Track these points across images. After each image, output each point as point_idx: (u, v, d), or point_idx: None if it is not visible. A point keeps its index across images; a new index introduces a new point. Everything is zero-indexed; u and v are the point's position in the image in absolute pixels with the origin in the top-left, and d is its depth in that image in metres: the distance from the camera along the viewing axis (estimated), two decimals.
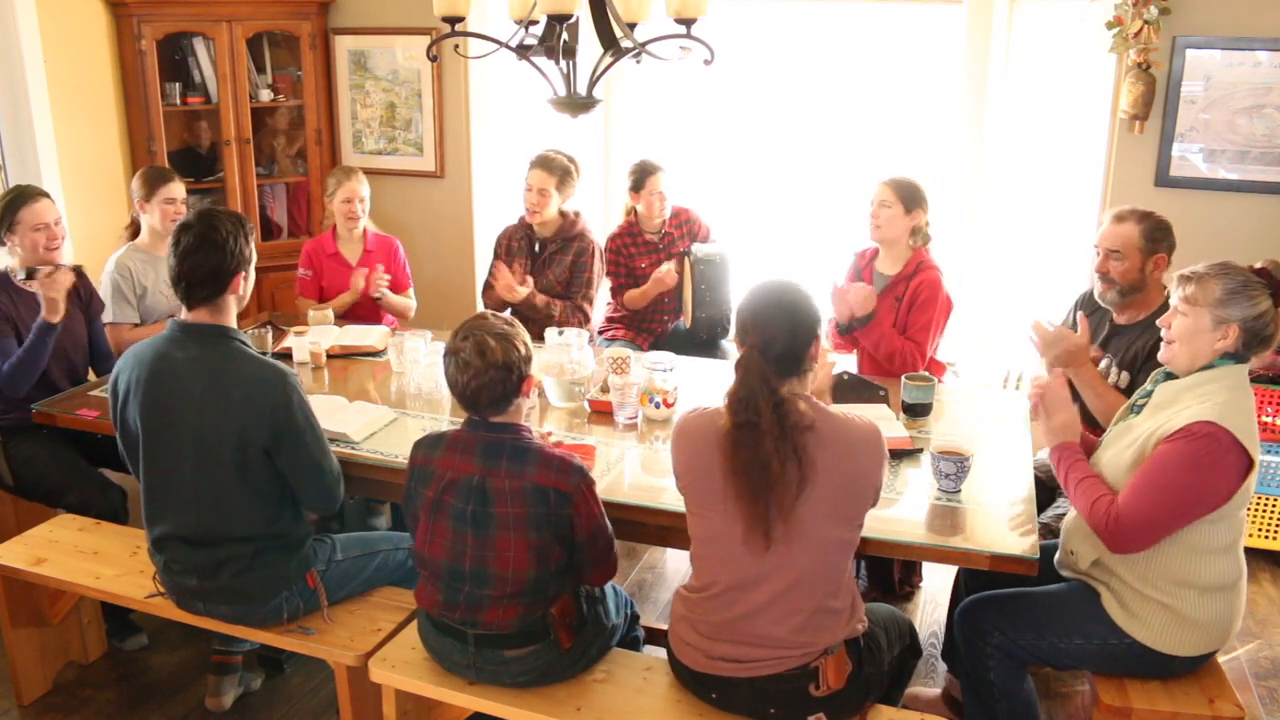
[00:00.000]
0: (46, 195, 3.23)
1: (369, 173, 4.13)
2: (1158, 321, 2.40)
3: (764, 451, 2.00)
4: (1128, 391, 2.74)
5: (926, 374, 3.03)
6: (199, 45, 4.61)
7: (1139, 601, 2.29)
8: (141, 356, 2.45)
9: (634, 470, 2.71)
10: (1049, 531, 2.71)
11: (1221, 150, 3.77)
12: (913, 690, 2.84)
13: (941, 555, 2.35)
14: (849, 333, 3.43)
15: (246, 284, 2.49)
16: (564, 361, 3.10)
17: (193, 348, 2.41)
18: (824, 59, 4.69)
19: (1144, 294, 2.86)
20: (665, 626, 2.31)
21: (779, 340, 2.04)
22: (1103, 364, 2.91)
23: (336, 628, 2.53)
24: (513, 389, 2.20)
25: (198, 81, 4.67)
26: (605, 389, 3.04)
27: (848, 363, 3.58)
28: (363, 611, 2.60)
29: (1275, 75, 3.65)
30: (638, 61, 2.64)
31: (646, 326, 4.25)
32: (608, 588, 2.44)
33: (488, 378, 2.15)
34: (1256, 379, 3.55)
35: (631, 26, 2.59)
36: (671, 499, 2.35)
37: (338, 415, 2.91)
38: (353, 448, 2.78)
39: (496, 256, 4.07)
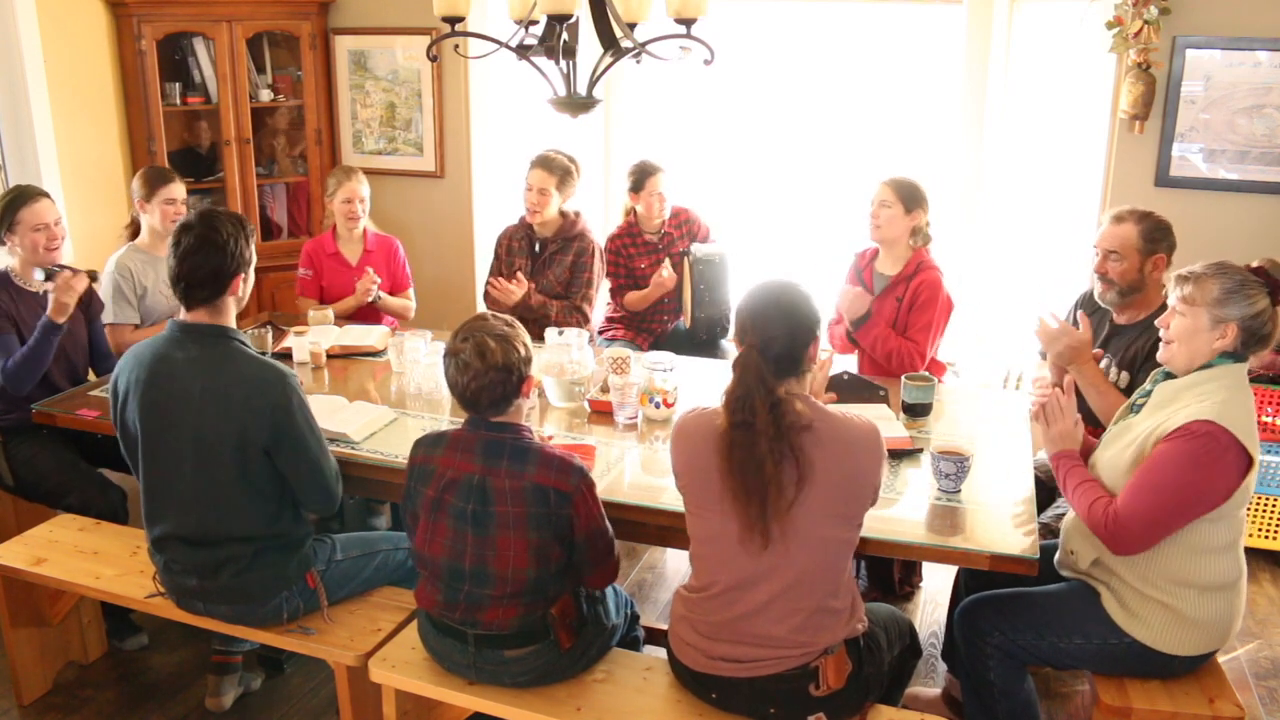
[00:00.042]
0: (46, 195, 3.23)
1: (369, 173, 4.13)
2: (1156, 322, 2.41)
3: (758, 452, 2.00)
4: (1128, 391, 2.74)
5: (926, 374, 3.03)
6: (199, 45, 4.61)
7: (1139, 601, 2.29)
8: (141, 357, 2.45)
9: (634, 470, 2.71)
10: (1049, 531, 2.71)
11: (1221, 150, 3.77)
12: (913, 690, 2.84)
13: (941, 555, 2.35)
14: (852, 333, 3.44)
15: (246, 285, 2.49)
16: (564, 361, 3.10)
17: (192, 348, 2.41)
18: (824, 59, 4.69)
19: (1143, 294, 2.86)
20: (665, 626, 2.31)
21: (778, 340, 2.04)
22: (1102, 363, 2.91)
23: (336, 628, 2.53)
24: (513, 390, 2.20)
25: (198, 81, 4.68)
26: (605, 389, 3.04)
27: (848, 363, 3.58)
28: (363, 611, 2.60)
29: (1275, 75, 3.65)
30: (638, 61, 2.64)
31: (646, 327, 4.25)
32: (608, 588, 2.44)
33: (487, 379, 2.15)
34: (1256, 379, 3.55)
35: (631, 26, 2.59)
36: (671, 499, 2.35)
37: (338, 415, 2.91)
38: (353, 448, 2.78)
39: (497, 257, 4.07)
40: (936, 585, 3.52)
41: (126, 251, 3.62)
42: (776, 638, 2.07)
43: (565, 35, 2.59)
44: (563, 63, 2.64)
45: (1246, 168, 3.76)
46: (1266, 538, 3.71)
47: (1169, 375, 2.36)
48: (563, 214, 3.92)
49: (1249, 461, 2.17)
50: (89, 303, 3.38)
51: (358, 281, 3.88)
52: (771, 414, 2.00)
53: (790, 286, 2.11)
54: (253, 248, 2.49)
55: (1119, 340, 2.92)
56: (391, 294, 4.05)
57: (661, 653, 2.35)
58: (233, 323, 2.49)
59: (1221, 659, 2.44)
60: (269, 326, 3.57)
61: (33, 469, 3.13)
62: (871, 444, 2.07)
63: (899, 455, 2.70)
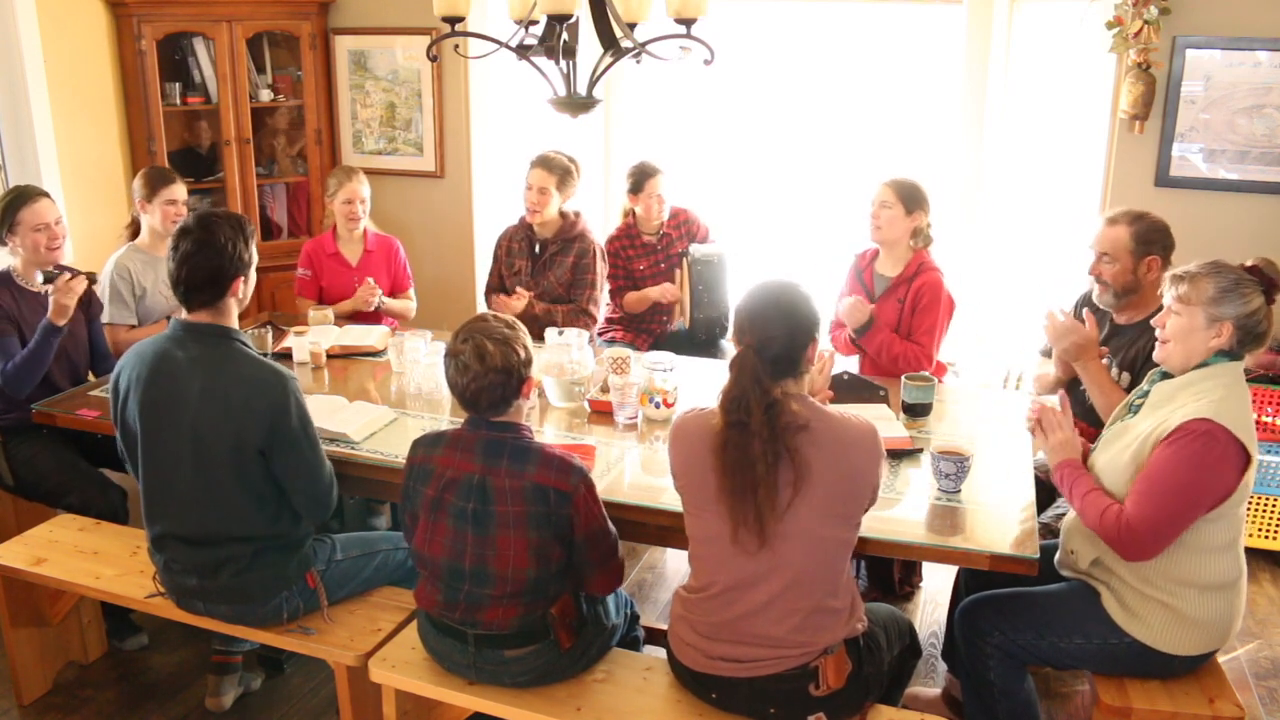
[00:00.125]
0: (46, 195, 3.23)
1: (369, 173, 4.13)
2: (1152, 322, 2.41)
3: (752, 452, 2.00)
4: (1129, 391, 2.74)
5: (926, 374, 3.03)
6: (199, 45, 4.61)
7: (1139, 601, 2.29)
8: (143, 355, 2.46)
9: (634, 470, 2.71)
10: (1049, 531, 2.71)
11: (1221, 150, 3.77)
12: (913, 690, 2.84)
13: (941, 555, 2.35)
14: (856, 341, 3.43)
15: (246, 287, 2.49)
16: (564, 361, 3.10)
17: (194, 347, 2.41)
18: (824, 59, 4.69)
19: (1140, 295, 2.86)
20: (665, 626, 2.31)
21: (776, 341, 2.04)
22: (1103, 362, 2.91)
23: (336, 628, 2.53)
24: (512, 392, 2.20)
25: (198, 81, 4.67)
26: (605, 389, 3.04)
27: (848, 363, 3.58)
28: (363, 611, 2.60)
29: (1275, 75, 3.65)
30: (638, 61, 2.64)
31: (645, 327, 4.25)
32: None
33: (487, 381, 2.15)
34: (1256, 379, 3.55)
35: (631, 26, 2.59)
36: (671, 499, 2.35)
37: (338, 415, 2.91)
38: (353, 448, 2.78)
39: (496, 258, 4.06)
40: (936, 585, 3.52)
41: (126, 251, 3.62)
42: (776, 638, 2.07)
43: (565, 35, 2.59)
44: (563, 63, 2.64)
45: (1246, 168, 3.76)
46: (1266, 538, 3.71)
47: (1166, 375, 2.36)
48: (563, 214, 3.91)
49: (1247, 459, 2.17)
50: (89, 303, 3.38)
51: (358, 289, 3.88)
52: (766, 415, 2.00)
53: (790, 287, 2.11)
54: (253, 249, 2.49)
55: (1119, 340, 2.92)
56: (392, 294, 4.05)
57: (661, 653, 2.35)
58: (234, 323, 2.49)
59: (1221, 659, 2.44)
60: (269, 326, 3.57)
61: (33, 469, 3.13)
62: (869, 444, 2.07)
63: (899, 455, 2.70)
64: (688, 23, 2.50)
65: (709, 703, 2.19)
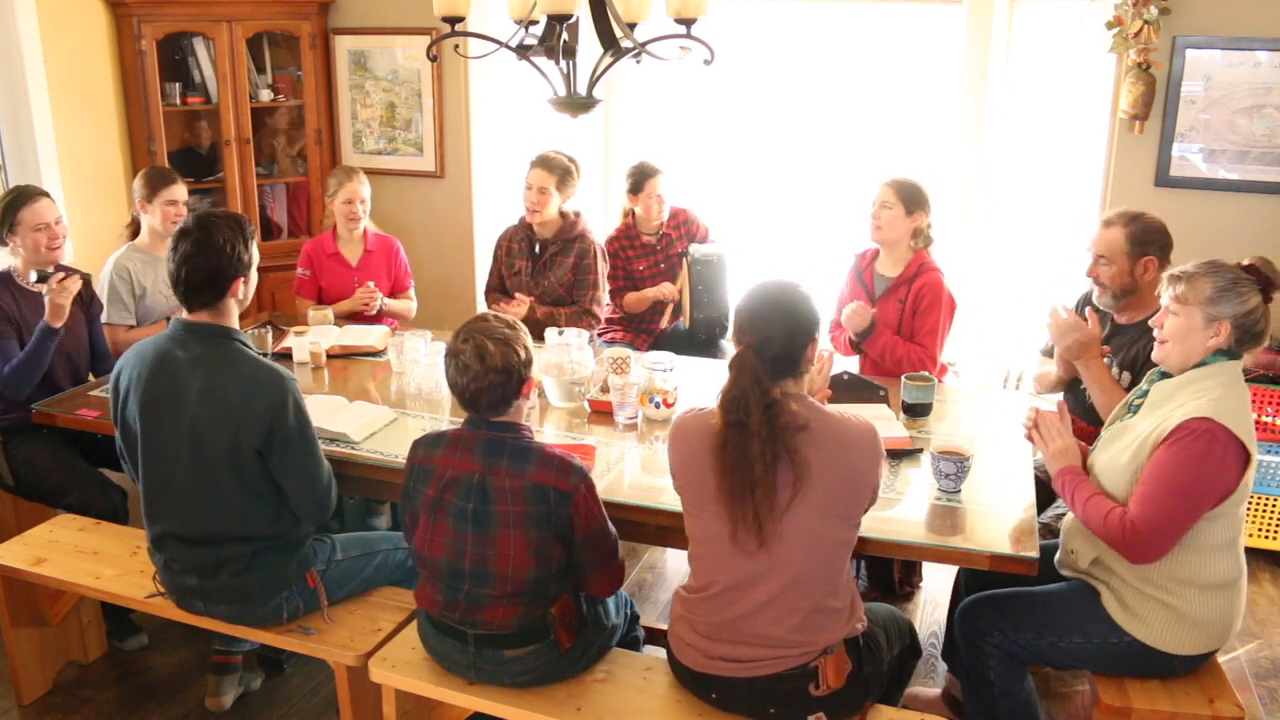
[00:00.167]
0: (46, 195, 3.23)
1: (369, 173, 4.13)
2: (1150, 322, 2.41)
3: (750, 452, 2.00)
4: (1129, 391, 2.74)
5: (926, 374, 3.03)
6: (199, 45, 4.61)
7: (1139, 600, 2.29)
8: (144, 354, 2.46)
9: (634, 470, 2.71)
10: (1049, 531, 2.71)
11: (1221, 150, 3.77)
12: (913, 690, 2.84)
13: (941, 555, 2.35)
14: (858, 346, 3.43)
15: (247, 288, 2.49)
16: (564, 361, 3.10)
17: (195, 347, 2.42)
18: (824, 59, 4.69)
19: (1139, 296, 2.86)
20: (665, 626, 2.31)
21: (776, 341, 2.04)
22: (1105, 361, 2.91)
23: (336, 628, 2.53)
24: (512, 392, 2.20)
25: (198, 81, 4.68)
26: (605, 389, 3.04)
27: (849, 363, 3.58)
28: (363, 611, 2.60)
29: (1275, 75, 3.65)
30: (638, 61, 2.64)
31: (645, 328, 4.25)
32: None
33: (486, 381, 2.15)
34: (1256, 379, 3.55)
35: (631, 26, 2.59)
36: (671, 499, 2.35)
37: (338, 415, 2.91)
38: (353, 448, 2.78)
39: (496, 259, 4.06)
40: (936, 585, 3.52)
41: (126, 251, 3.62)
42: (776, 638, 2.07)
43: (565, 35, 2.59)
44: (563, 63, 2.64)
45: (1246, 168, 3.76)
46: (1266, 538, 3.71)
47: (1165, 375, 2.36)
48: (563, 214, 3.91)
49: (1247, 457, 2.17)
50: (90, 303, 3.38)
51: (357, 290, 3.88)
52: (765, 415, 2.00)
53: (790, 287, 2.11)
54: (253, 250, 2.49)
55: (1120, 340, 2.92)
56: (392, 295, 4.05)
57: (661, 653, 2.35)
58: (235, 323, 2.49)
59: (1221, 659, 2.44)
60: (269, 326, 3.57)
61: (33, 468, 3.13)
62: (869, 444, 2.07)
63: (899, 455, 2.70)
64: (688, 23, 2.50)
65: (709, 703, 2.19)
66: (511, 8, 2.74)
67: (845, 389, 2.92)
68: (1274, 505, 3.67)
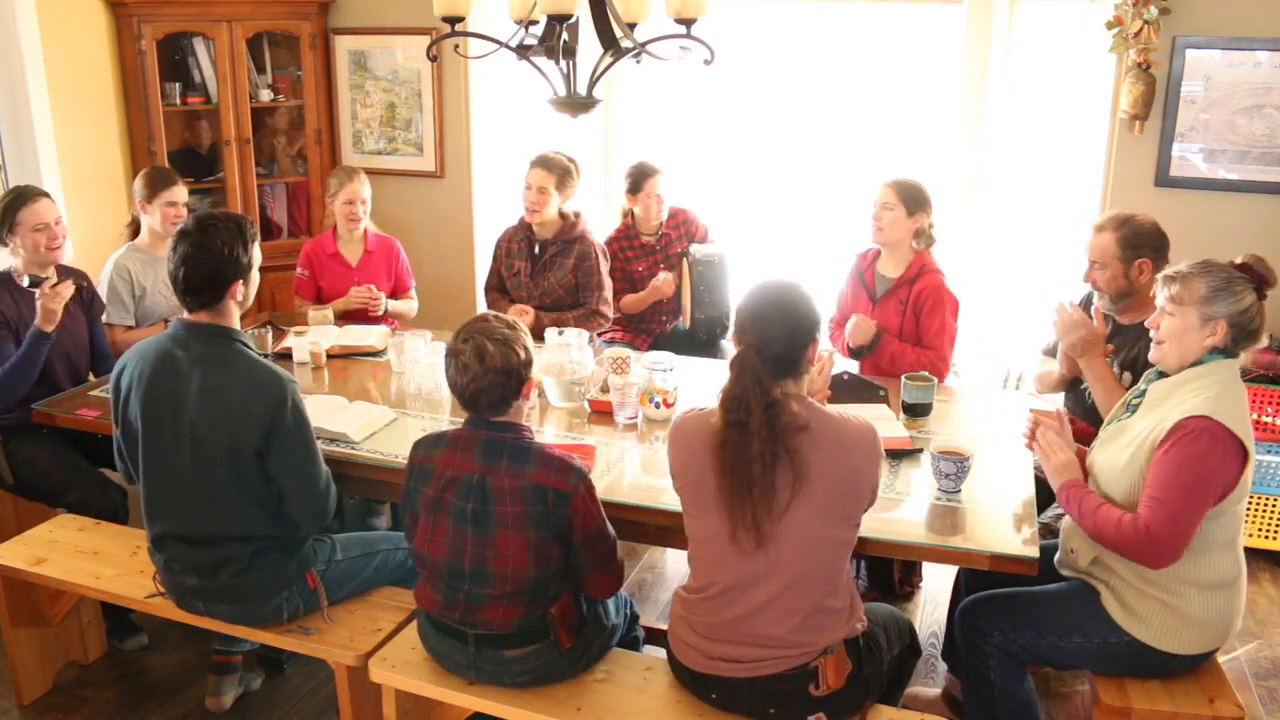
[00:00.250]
0: (46, 195, 3.23)
1: (369, 173, 4.13)
2: (1146, 323, 2.41)
3: (749, 452, 2.00)
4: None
5: (926, 374, 3.03)
6: (199, 45, 4.61)
7: (1139, 599, 2.29)
8: (145, 354, 2.46)
9: (634, 470, 2.71)
10: (1049, 531, 2.71)
11: (1221, 150, 3.77)
12: (913, 690, 2.84)
13: (941, 555, 2.35)
14: (858, 357, 3.42)
15: (247, 289, 2.49)
16: (564, 361, 3.10)
17: (196, 347, 2.42)
18: (824, 59, 4.69)
19: (1137, 297, 2.86)
20: (665, 626, 2.31)
21: (776, 341, 2.04)
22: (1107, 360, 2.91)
23: (336, 628, 2.53)
24: (512, 392, 2.20)
25: (198, 81, 4.68)
26: (605, 389, 3.04)
27: (849, 363, 3.58)
28: (363, 611, 2.60)
29: (1275, 75, 3.65)
30: (638, 61, 2.64)
31: (645, 328, 4.25)
32: None
33: (486, 381, 2.15)
34: (1255, 378, 3.55)
35: (631, 26, 2.59)
36: (671, 499, 2.35)
37: (338, 415, 2.91)
38: (353, 448, 2.78)
39: (496, 259, 4.06)
40: (936, 585, 3.52)
41: (126, 252, 3.62)
42: (775, 638, 2.07)
43: (565, 35, 2.59)
44: (563, 63, 2.64)
45: (1246, 168, 3.76)
46: (1266, 538, 3.71)
47: (1162, 374, 2.36)
48: (562, 215, 3.91)
49: (1245, 454, 2.18)
50: (90, 303, 3.38)
51: (353, 289, 3.88)
52: (766, 415, 2.00)
53: (791, 287, 2.11)
54: (254, 252, 2.48)
55: (1120, 339, 2.92)
56: (393, 295, 4.05)
57: (661, 653, 2.35)
58: (236, 323, 2.49)
59: (1221, 659, 2.44)
60: (269, 326, 3.57)
61: (33, 468, 3.13)
62: (869, 444, 2.07)
63: (899, 455, 2.70)
64: (688, 23, 2.50)
65: (709, 703, 2.19)
66: (511, 8, 2.74)
67: (845, 389, 2.92)
68: (1274, 505, 3.67)
